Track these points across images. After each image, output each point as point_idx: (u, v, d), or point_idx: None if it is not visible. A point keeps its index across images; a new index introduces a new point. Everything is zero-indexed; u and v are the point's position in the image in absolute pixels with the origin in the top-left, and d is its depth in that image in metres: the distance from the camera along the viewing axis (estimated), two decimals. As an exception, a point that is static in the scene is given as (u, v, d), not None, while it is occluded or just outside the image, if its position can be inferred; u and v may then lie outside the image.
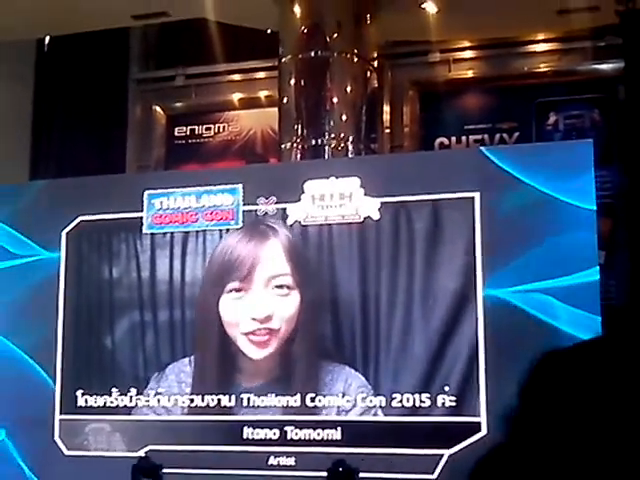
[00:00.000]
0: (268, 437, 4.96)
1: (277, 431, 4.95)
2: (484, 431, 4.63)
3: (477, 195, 4.88)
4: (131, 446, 5.18)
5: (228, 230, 5.22)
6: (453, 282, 4.83)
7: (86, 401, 5.32)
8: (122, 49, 8.07)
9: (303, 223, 5.09)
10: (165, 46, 8.24)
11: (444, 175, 4.97)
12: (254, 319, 4.99)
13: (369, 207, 5.01)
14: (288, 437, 4.92)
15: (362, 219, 5.01)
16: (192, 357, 5.18)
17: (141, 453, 5.07)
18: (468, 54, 7.56)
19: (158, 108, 8.09)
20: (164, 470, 4.78)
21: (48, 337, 5.39)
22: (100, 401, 5.29)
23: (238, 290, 5.05)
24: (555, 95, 7.24)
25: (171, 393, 5.16)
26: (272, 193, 5.18)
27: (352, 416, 4.87)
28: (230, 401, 5.07)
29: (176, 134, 8.04)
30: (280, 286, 5.01)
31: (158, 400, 5.17)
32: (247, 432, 4.99)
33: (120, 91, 7.99)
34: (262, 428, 4.98)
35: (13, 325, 5.48)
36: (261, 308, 5.00)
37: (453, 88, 7.51)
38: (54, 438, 5.31)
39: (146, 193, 5.38)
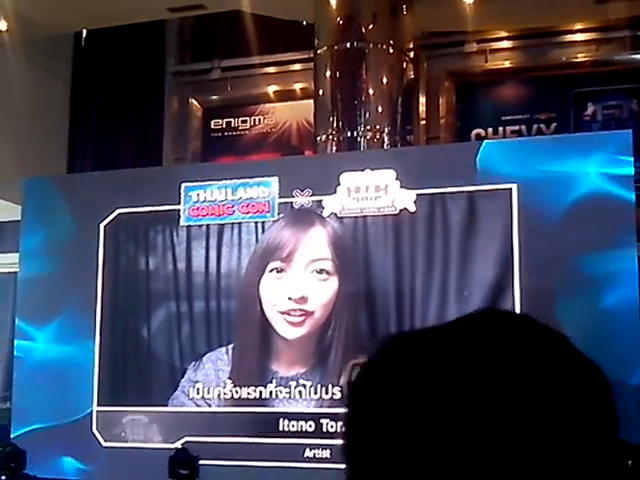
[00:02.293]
0: (304, 429, 4.97)
1: (313, 423, 4.96)
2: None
3: (514, 186, 4.84)
4: (168, 437, 5.21)
5: (264, 223, 5.23)
6: (489, 273, 4.80)
7: (123, 392, 5.36)
8: (158, 42, 8.10)
9: (339, 215, 5.09)
10: (201, 39, 8.25)
11: (480, 166, 4.94)
12: (290, 298, 5.03)
13: (405, 199, 4.99)
14: (324, 429, 4.92)
15: (398, 211, 5.00)
16: (229, 346, 5.21)
17: (178, 445, 5.10)
18: (505, 44, 7.50)
19: (194, 101, 8.11)
20: (200, 462, 4.80)
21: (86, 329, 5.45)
22: (137, 392, 5.33)
23: (279, 270, 5.10)
24: (593, 85, 7.16)
25: (209, 381, 5.19)
26: (308, 185, 5.18)
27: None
28: (266, 393, 5.08)
29: (212, 127, 8.06)
30: (320, 271, 5.03)
31: (198, 390, 5.20)
32: (283, 424, 5.01)
33: (157, 84, 8.02)
34: (298, 420, 4.99)
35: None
36: (298, 288, 5.03)
37: (490, 79, 7.45)
38: (92, 429, 5.36)
39: (183, 186, 5.40)
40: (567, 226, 4.72)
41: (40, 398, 5.42)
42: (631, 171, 4.73)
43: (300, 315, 5.03)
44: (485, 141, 5.95)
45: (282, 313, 5.06)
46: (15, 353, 5.63)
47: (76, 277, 5.52)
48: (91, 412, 5.36)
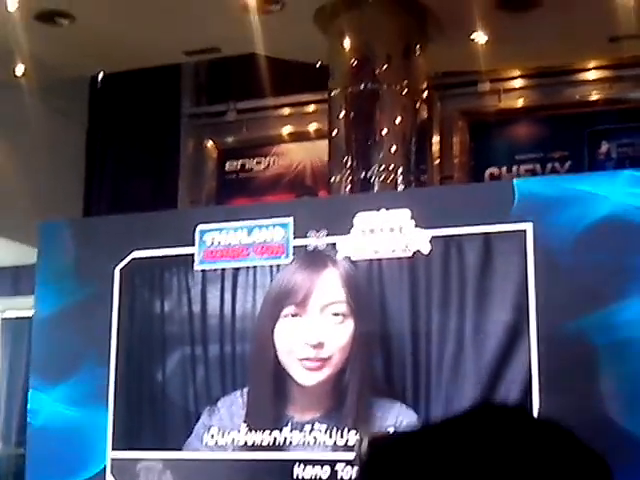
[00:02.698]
0: (319, 476, 4.92)
1: (328, 469, 4.92)
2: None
3: (529, 226, 4.82)
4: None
5: (279, 266, 5.22)
6: (505, 316, 4.77)
7: (138, 437, 5.34)
8: (174, 85, 8.18)
9: (353, 258, 5.08)
10: (216, 81, 8.33)
11: (495, 206, 4.93)
12: (307, 344, 5.00)
13: (420, 240, 4.97)
14: (339, 476, 4.87)
15: (412, 253, 4.98)
16: (244, 390, 5.19)
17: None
18: (518, 83, 7.54)
19: (210, 143, 8.18)
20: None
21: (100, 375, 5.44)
22: (152, 437, 5.31)
23: (294, 315, 5.07)
24: (607, 123, 7.18)
25: (223, 426, 5.16)
26: (322, 226, 5.18)
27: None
28: (280, 438, 5.05)
29: (227, 168, 8.11)
30: (335, 313, 5.01)
31: (212, 436, 5.17)
32: (297, 471, 4.97)
33: (172, 126, 8.09)
34: (313, 466, 4.95)
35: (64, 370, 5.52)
36: (314, 334, 5.00)
37: (503, 118, 7.49)
38: (106, 476, 5.33)
39: (198, 229, 5.41)
40: (586, 254, 4.64)
41: (53, 456, 5.40)
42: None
43: (317, 361, 5.01)
44: (515, 180, 5.81)
45: (299, 360, 5.03)
46: (28, 413, 5.61)
47: (91, 320, 5.53)
48: (104, 467, 5.34)
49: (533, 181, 5.59)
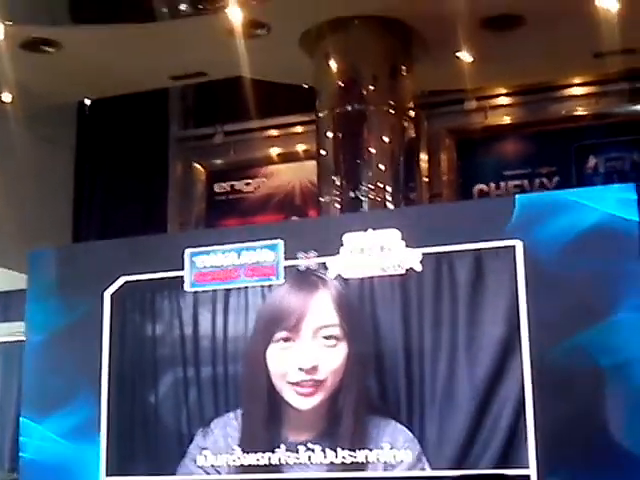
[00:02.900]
0: (314, 495, 4.91)
1: (324, 489, 4.91)
2: (534, 483, 4.54)
3: (519, 243, 4.83)
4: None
5: (270, 286, 5.22)
6: (497, 332, 4.77)
7: (131, 461, 5.31)
8: (162, 109, 8.20)
9: (344, 276, 5.08)
10: (203, 105, 8.36)
11: (485, 224, 4.93)
12: (300, 369, 4.98)
13: (411, 258, 4.98)
14: (334, 495, 4.87)
15: (404, 271, 4.98)
16: (237, 411, 5.16)
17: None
18: (504, 100, 7.59)
19: (198, 165, 8.20)
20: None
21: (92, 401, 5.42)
22: (145, 461, 5.28)
23: (286, 339, 5.05)
24: (594, 138, 7.22)
25: (217, 448, 5.14)
26: (312, 247, 5.18)
27: (399, 472, 4.80)
28: (274, 459, 5.03)
29: (216, 190, 8.13)
30: (328, 337, 5.00)
31: (206, 457, 5.15)
32: (293, 491, 4.95)
33: (161, 150, 8.10)
34: (308, 486, 4.93)
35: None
36: (308, 358, 4.98)
37: (490, 135, 7.54)
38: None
39: (187, 252, 5.41)
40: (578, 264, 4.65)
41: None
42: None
43: (311, 386, 4.99)
44: (488, 198, 5.93)
45: (292, 384, 5.02)
46: (20, 445, 5.58)
47: (82, 346, 5.50)
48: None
49: (530, 197, 5.57)
